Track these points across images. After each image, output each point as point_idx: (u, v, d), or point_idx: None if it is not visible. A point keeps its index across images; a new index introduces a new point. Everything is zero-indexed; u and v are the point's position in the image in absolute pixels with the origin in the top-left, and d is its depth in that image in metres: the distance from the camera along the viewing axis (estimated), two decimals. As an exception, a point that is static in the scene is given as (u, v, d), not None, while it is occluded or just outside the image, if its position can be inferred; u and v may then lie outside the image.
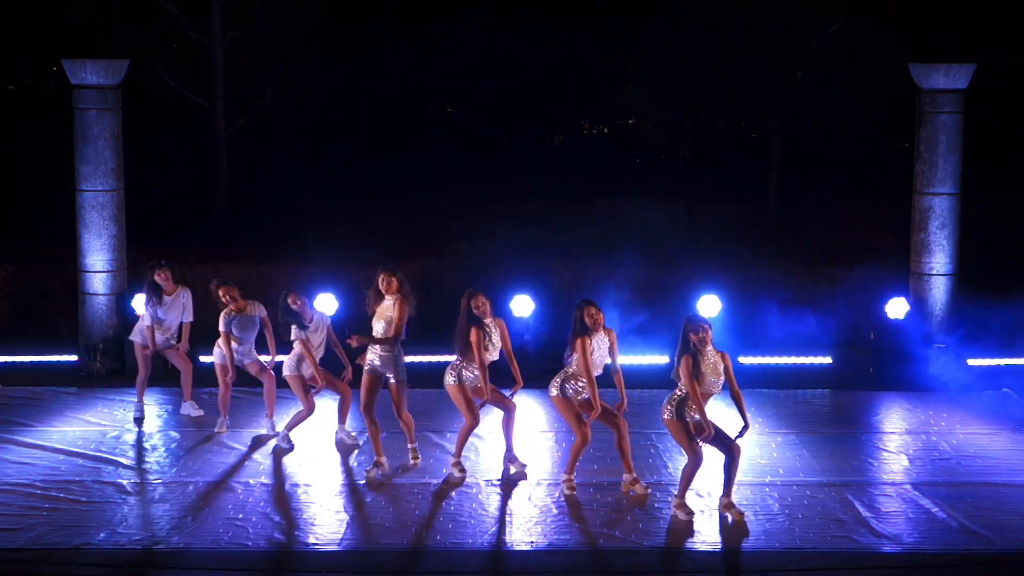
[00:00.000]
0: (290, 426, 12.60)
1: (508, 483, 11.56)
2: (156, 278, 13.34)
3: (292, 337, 12.29)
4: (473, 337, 11.34)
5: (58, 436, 12.95)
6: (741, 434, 10.50)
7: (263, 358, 13.04)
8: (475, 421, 11.63)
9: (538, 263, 18.40)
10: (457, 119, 36.28)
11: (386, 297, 11.60)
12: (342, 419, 12.77)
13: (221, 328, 12.75)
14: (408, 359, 15.16)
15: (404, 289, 11.55)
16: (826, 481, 11.63)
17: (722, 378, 10.43)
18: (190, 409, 13.69)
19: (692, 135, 25.98)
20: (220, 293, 12.75)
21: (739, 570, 9.89)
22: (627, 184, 29.10)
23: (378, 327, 11.56)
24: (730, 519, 10.57)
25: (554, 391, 11.16)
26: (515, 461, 11.84)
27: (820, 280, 17.81)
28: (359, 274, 15.28)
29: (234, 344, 12.76)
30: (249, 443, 12.77)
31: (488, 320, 11.45)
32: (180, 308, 13.50)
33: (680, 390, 10.45)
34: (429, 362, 15.03)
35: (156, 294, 13.37)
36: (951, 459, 12.35)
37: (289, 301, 12.21)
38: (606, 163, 32.22)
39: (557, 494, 11.25)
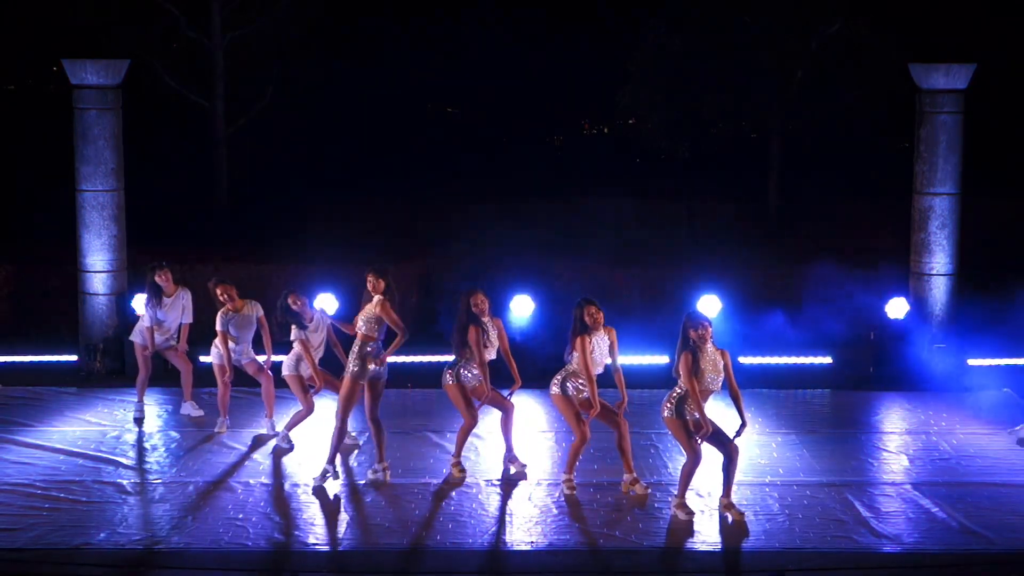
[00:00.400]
0: (290, 426, 12.61)
1: (508, 483, 11.56)
2: (157, 279, 13.35)
3: (292, 337, 12.29)
4: (472, 335, 11.35)
5: (58, 436, 12.95)
6: (739, 433, 10.50)
7: (259, 358, 13.04)
8: (473, 421, 11.63)
9: (538, 263, 18.40)
10: (457, 119, 36.24)
11: (373, 297, 11.58)
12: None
13: (218, 327, 12.77)
14: (408, 359, 15.27)
15: (390, 290, 11.48)
16: (826, 481, 11.63)
17: (722, 376, 10.43)
18: (190, 409, 13.69)
19: (692, 135, 25.94)
20: (218, 292, 12.77)
21: (739, 570, 9.89)
22: (627, 184, 29.06)
23: (360, 326, 11.52)
24: (730, 519, 10.57)
25: (555, 389, 11.16)
26: (515, 461, 11.84)
27: (820, 280, 17.79)
28: (359, 274, 15.22)
29: (231, 344, 12.77)
30: (249, 443, 12.77)
31: (486, 319, 11.46)
32: (180, 309, 13.51)
33: (680, 387, 10.46)
34: (429, 362, 15.03)
35: (156, 295, 13.38)
36: (951, 459, 12.35)
37: (289, 301, 12.21)
38: (606, 163, 32.18)
39: (557, 494, 11.25)
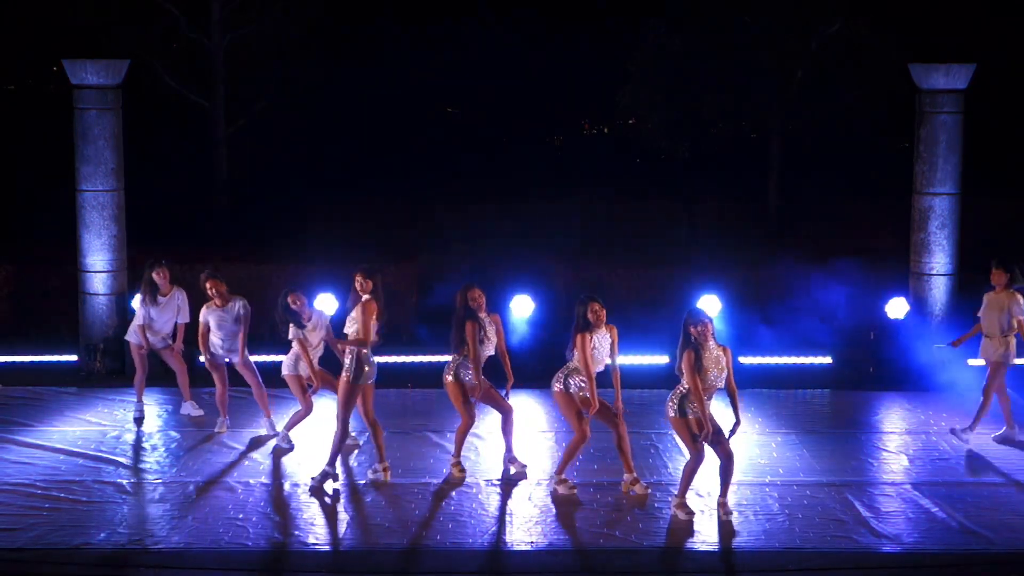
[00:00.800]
0: (289, 426, 12.60)
1: (508, 483, 11.56)
2: (155, 276, 13.32)
3: (290, 336, 12.29)
4: (468, 330, 11.36)
5: (58, 436, 12.95)
6: (733, 431, 10.49)
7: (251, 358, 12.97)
8: (470, 420, 11.64)
9: (538, 263, 18.40)
10: (457, 119, 36.26)
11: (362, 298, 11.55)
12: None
13: (200, 319, 12.80)
14: (408, 359, 15.28)
15: (376, 292, 11.45)
16: (826, 481, 11.63)
17: (724, 372, 10.41)
18: (190, 409, 13.68)
19: (692, 135, 25.98)
20: (207, 286, 12.73)
21: (739, 570, 9.89)
22: (627, 184, 29.09)
23: (349, 328, 11.51)
24: (722, 517, 10.56)
25: (557, 386, 11.12)
26: (515, 461, 11.84)
27: (820, 280, 17.82)
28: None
29: (214, 339, 12.79)
30: (249, 443, 12.77)
31: (483, 315, 11.48)
32: (174, 309, 13.45)
33: (683, 386, 10.46)
34: (429, 362, 15.04)
35: (151, 292, 13.32)
36: (951, 459, 12.35)
37: (289, 300, 12.22)
38: (606, 163, 32.20)
39: (560, 490, 11.23)
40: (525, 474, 11.74)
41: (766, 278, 18.33)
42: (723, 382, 10.46)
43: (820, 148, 28.03)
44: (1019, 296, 12.62)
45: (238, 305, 12.89)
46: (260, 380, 13.02)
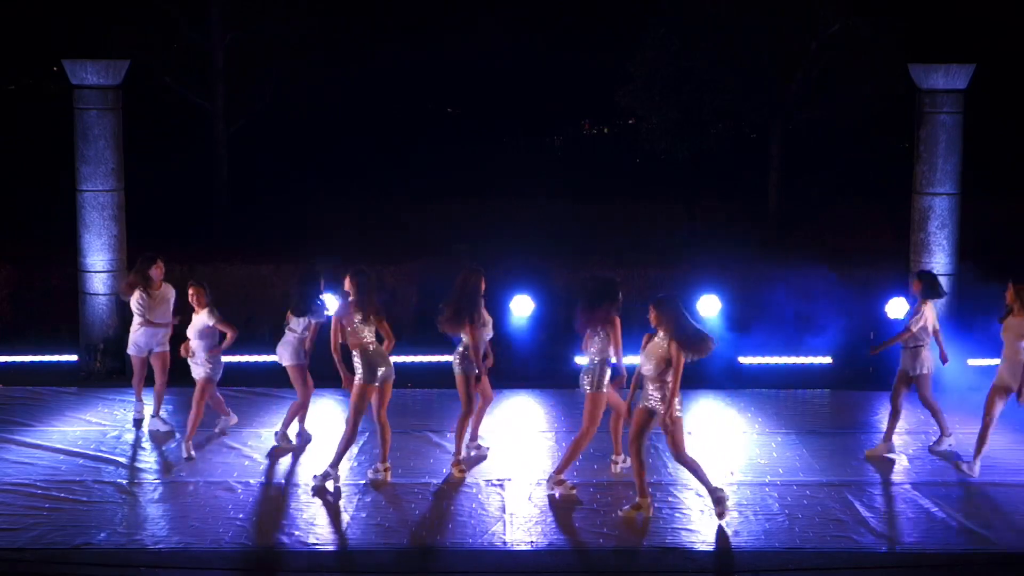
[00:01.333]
0: (286, 423, 12.60)
1: (511, 482, 11.55)
2: (152, 271, 13.18)
3: (312, 318, 12.26)
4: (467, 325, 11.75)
5: (58, 436, 12.95)
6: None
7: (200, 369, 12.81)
8: (469, 409, 11.83)
9: (538, 263, 18.40)
10: (457, 119, 36.30)
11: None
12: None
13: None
14: (408, 359, 15.27)
15: (360, 292, 11.36)
16: (826, 481, 11.64)
17: (652, 362, 10.47)
18: (159, 424, 13.23)
19: (692, 135, 25.98)
20: (190, 292, 12.53)
21: (739, 570, 9.89)
22: (627, 184, 29.11)
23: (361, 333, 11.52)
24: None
25: (588, 387, 11.11)
26: (479, 449, 12.23)
27: (820, 280, 17.83)
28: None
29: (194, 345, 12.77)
30: (249, 443, 12.77)
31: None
32: (168, 303, 13.26)
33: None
34: (429, 362, 15.03)
35: (144, 284, 13.13)
36: (951, 459, 12.35)
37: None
38: (606, 163, 32.22)
39: (557, 494, 11.25)
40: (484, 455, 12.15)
41: (765, 278, 18.32)
42: (647, 371, 10.48)
43: (820, 148, 28.04)
44: (927, 307, 12.53)
45: (203, 315, 12.52)
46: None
